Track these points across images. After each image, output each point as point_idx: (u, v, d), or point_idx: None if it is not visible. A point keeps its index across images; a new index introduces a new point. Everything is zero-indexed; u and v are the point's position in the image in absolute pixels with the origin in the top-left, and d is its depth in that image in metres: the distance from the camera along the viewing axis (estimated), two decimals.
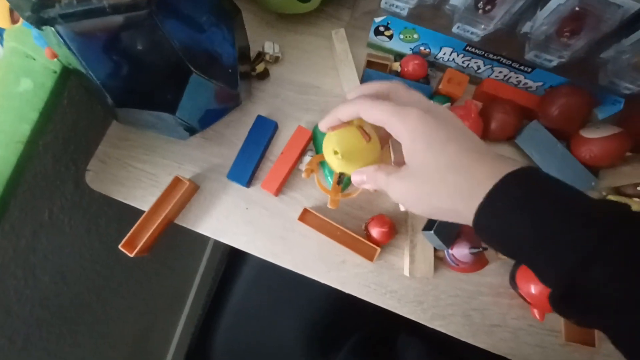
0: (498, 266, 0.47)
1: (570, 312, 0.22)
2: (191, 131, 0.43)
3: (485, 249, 0.42)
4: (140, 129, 0.48)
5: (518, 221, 0.22)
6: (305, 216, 0.47)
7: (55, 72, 0.43)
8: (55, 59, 0.41)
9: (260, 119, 0.49)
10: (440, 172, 0.25)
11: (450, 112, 0.28)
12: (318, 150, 0.49)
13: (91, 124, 0.55)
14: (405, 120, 0.26)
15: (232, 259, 0.81)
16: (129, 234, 0.45)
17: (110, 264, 0.71)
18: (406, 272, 0.46)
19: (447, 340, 0.46)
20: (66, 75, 0.43)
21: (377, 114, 0.27)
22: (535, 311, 0.44)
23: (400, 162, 0.28)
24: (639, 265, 0.20)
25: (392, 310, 0.47)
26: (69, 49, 0.31)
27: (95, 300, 0.70)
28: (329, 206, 0.39)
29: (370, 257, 0.45)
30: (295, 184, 0.50)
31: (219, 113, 0.44)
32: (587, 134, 0.45)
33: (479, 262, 0.45)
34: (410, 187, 0.27)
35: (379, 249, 0.45)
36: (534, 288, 0.41)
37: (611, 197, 0.48)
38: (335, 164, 0.32)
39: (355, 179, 0.31)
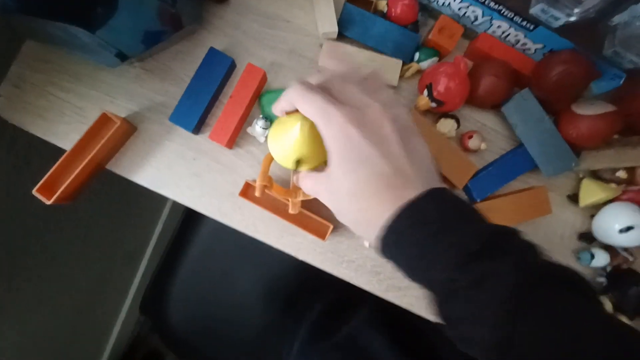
0: None
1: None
2: (121, 57, 0.34)
3: None
4: (55, 48, 0.38)
5: (406, 243, 0.23)
6: (248, 191, 0.41)
7: None
8: None
9: (213, 53, 0.40)
10: (348, 196, 0.25)
11: (384, 112, 0.24)
12: (264, 111, 0.43)
13: (4, 39, 0.44)
14: (328, 125, 0.24)
15: (194, 213, 0.76)
16: (45, 177, 0.38)
17: (50, 207, 0.64)
18: (366, 244, 0.43)
19: (410, 317, 0.45)
20: None
21: (305, 108, 0.25)
22: None
23: None
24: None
25: (347, 280, 0.44)
26: None
27: (34, 243, 0.64)
28: (290, 211, 0.37)
29: (322, 235, 0.41)
30: (253, 136, 0.43)
31: (154, 37, 0.35)
32: (579, 109, 0.41)
33: None
34: (326, 195, 0.27)
35: (331, 226, 0.41)
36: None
37: (587, 181, 0.45)
38: (290, 164, 0.30)
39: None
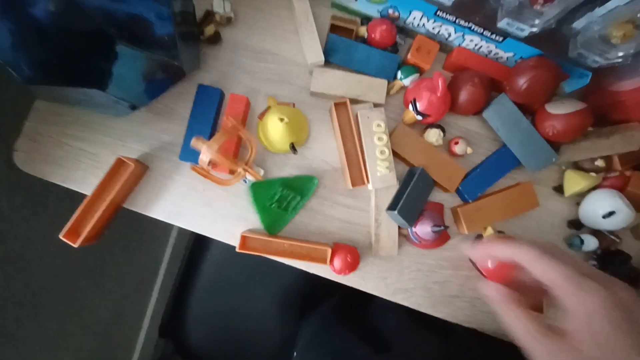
0: (458, 241, 0.48)
1: None
2: (132, 107, 0.38)
3: (447, 227, 0.42)
4: (70, 106, 0.42)
5: None
6: (245, 244, 0.44)
7: None
8: None
9: (202, 88, 0.44)
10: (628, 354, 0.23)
11: (633, 294, 0.25)
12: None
13: (18, 95, 0.47)
14: (585, 299, 0.24)
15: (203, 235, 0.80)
16: (70, 222, 0.41)
17: (67, 245, 0.67)
18: (373, 252, 0.46)
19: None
20: None
21: (549, 273, 0.25)
22: None
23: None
24: None
25: (357, 287, 0.47)
26: None
27: (53, 281, 0.66)
28: (232, 182, 0.42)
29: (323, 260, 0.44)
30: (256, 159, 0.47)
31: (161, 86, 0.39)
32: (552, 109, 0.44)
33: (440, 238, 0.46)
34: None
35: (329, 249, 0.44)
36: (490, 263, 0.42)
37: (570, 172, 0.49)
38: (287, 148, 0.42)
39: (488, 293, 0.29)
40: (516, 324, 0.26)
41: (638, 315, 0.24)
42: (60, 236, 0.41)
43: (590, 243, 0.48)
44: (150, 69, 0.35)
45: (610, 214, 0.44)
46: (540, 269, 0.26)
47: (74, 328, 0.76)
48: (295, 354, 0.65)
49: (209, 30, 0.44)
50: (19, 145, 0.45)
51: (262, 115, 0.45)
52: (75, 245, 0.41)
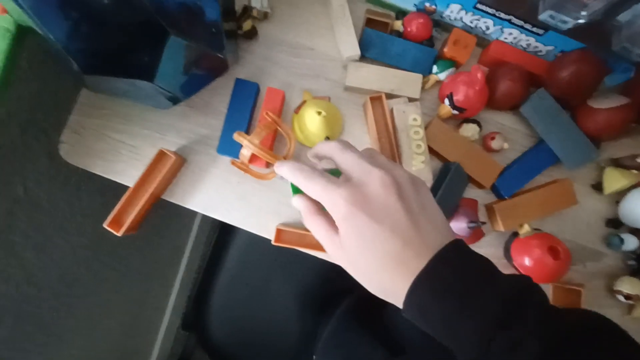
0: (493, 238, 0.48)
1: None
2: (174, 100, 0.39)
3: (484, 223, 0.42)
4: (115, 97, 0.43)
5: (432, 313, 0.24)
6: (280, 236, 0.44)
7: (9, 30, 0.37)
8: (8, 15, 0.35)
9: (239, 82, 0.45)
10: (364, 272, 0.26)
11: (386, 178, 0.26)
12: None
13: (60, 89, 0.49)
14: (335, 208, 0.25)
15: (225, 226, 0.81)
16: (114, 212, 0.42)
17: (97, 237, 0.69)
18: None
19: None
20: (23, 34, 0.37)
21: (310, 190, 0.27)
22: None
23: None
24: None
25: None
26: (16, 1, 0.26)
27: (85, 272, 0.69)
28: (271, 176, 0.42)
29: None
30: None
31: (205, 80, 0.39)
32: (595, 104, 0.43)
33: (474, 235, 0.45)
34: (345, 262, 0.27)
35: None
36: (527, 260, 0.42)
37: (610, 169, 0.47)
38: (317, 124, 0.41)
39: (296, 203, 0.30)
40: (315, 227, 0.28)
41: (388, 195, 0.25)
42: (105, 225, 0.42)
43: (630, 242, 0.47)
44: (196, 61, 0.36)
45: None
46: (304, 187, 0.27)
47: (100, 318, 0.79)
48: (314, 357, 0.66)
49: (247, 25, 0.45)
50: (64, 137, 0.46)
51: (298, 109, 0.46)
52: (119, 234, 0.42)
